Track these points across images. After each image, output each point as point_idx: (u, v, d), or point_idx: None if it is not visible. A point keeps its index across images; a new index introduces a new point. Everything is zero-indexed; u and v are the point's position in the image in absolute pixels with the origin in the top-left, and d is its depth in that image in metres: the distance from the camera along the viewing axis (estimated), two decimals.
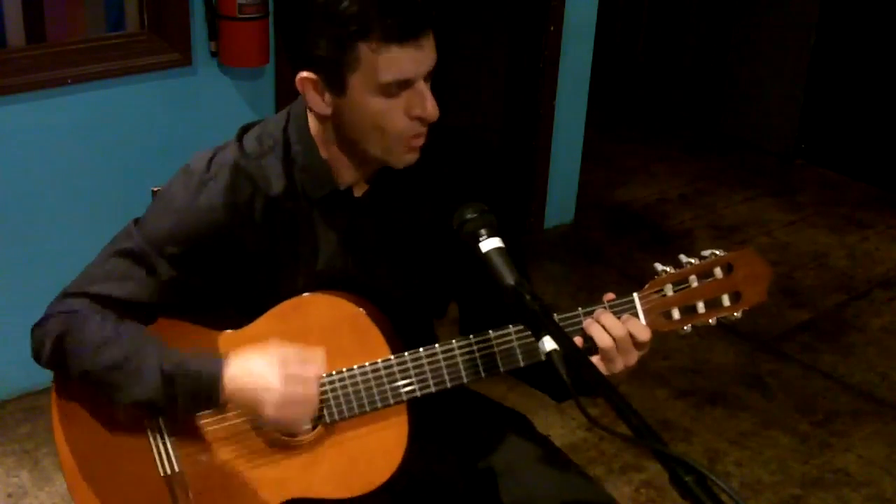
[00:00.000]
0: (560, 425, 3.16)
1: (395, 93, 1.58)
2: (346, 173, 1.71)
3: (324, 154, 1.70)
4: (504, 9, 4.15)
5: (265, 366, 1.64)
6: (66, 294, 1.74)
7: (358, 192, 1.74)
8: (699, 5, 5.46)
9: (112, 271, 1.71)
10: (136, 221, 1.74)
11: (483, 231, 1.55)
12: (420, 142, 1.64)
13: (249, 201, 1.69)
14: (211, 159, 1.70)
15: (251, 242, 1.70)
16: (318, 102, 1.63)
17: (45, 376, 1.76)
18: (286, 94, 3.30)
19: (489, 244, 1.55)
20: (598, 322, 1.63)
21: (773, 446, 3.20)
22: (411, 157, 1.66)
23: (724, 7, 5.33)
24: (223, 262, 1.71)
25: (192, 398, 1.67)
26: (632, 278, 4.06)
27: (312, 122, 1.70)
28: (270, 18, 3.16)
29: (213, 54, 3.19)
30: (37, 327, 1.74)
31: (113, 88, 3.09)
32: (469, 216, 1.57)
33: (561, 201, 4.42)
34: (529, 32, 4.10)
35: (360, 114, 1.61)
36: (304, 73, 1.61)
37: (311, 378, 1.65)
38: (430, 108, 1.60)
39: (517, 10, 4.11)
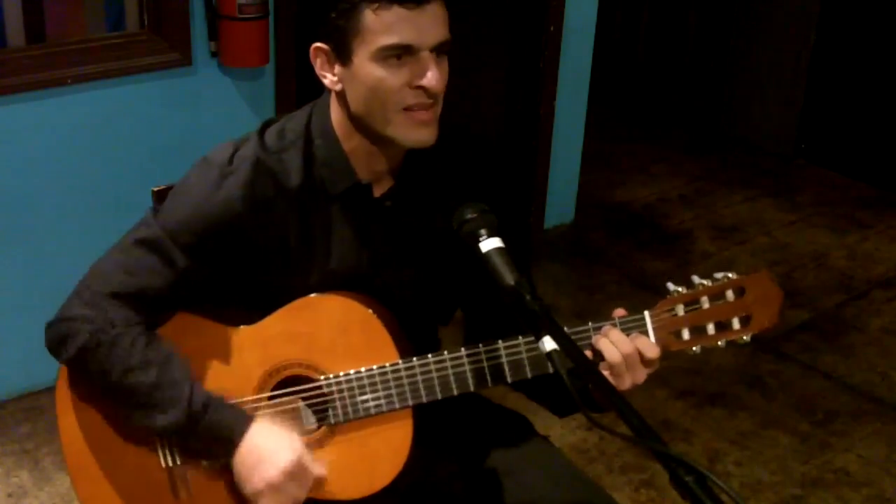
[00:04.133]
0: (560, 425, 3.16)
1: (397, 61, 1.57)
2: (368, 167, 1.70)
3: (345, 147, 1.69)
4: (504, 9, 4.14)
5: (279, 453, 1.66)
6: (89, 292, 1.71)
7: (378, 192, 1.74)
8: (699, 5, 5.45)
9: (132, 264, 1.70)
10: (155, 211, 1.73)
11: (483, 231, 1.55)
12: (427, 116, 1.61)
13: (268, 196, 1.68)
14: (233, 153, 1.69)
15: (267, 237, 1.69)
16: (328, 75, 1.64)
17: (45, 376, 1.76)
18: (286, 94, 3.30)
19: (489, 244, 1.54)
20: (607, 337, 1.63)
21: (773, 446, 3.20)
22: (422, 135, 1.63)
23: (724, 7, 5.33)
24: (238, 256, 1.70)
25: (206, 445, 1.70)
26: (631, 278, 4.06)
27: (335, 113, 1.69)
28: (270, 18, 3.16)
29: (213, 54, 3.19)
30: (59, 324, 1.71)
31: (113, 88, 3.09)
32: (469, 216, 1.57)
33: (561, 201, 4.41)
34: (529, 32, 4.10)
35: (363, 83, 1.60)
36: (317, 44, 1.62)
37: (307, 484, 1.68)
38: (432, 78, 1.58)
39: (517, 10, 4.10)
